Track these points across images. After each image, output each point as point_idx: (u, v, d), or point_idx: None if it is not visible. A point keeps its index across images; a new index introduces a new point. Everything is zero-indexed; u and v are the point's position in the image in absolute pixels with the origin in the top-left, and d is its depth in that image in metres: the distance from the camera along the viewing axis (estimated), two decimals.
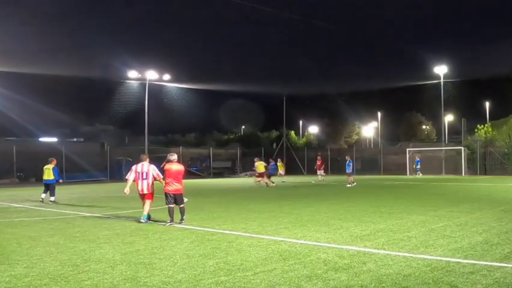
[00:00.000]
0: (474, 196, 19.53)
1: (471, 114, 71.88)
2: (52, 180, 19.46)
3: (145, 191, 12.48)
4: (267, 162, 32.71)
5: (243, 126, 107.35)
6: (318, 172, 36.26)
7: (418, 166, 44.29)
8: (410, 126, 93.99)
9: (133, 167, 12.74)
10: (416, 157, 46.21)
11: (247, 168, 46.84)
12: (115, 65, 60.19)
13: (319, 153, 41.39)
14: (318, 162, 36.45)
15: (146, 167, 12.59)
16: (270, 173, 31.82)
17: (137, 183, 12.56)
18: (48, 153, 41.28)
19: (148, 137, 49.92)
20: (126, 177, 12.91)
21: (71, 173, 41.22)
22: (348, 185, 27.91)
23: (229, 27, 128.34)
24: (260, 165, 30.81)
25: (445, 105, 54.01)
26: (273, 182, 30.66)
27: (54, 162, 19.94)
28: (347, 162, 29.27)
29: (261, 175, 30.78)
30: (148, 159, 12.90)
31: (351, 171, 29.43)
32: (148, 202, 12.50)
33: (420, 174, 43.74)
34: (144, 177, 12.49)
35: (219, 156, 57.85)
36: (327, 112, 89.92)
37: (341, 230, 10.54)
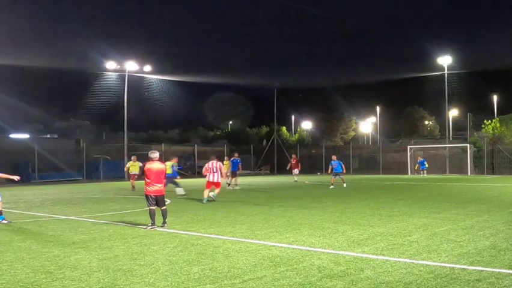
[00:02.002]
0: (481, 197, 19.65)
1: (477, 109, 72.33)
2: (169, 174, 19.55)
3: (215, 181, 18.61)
4: (257, 160, 31.82)
5: (231, 122, 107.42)
6: (293, 171, 36.14)
7: (425, 165, 43.61)
8: (412, 122, 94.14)
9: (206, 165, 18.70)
10: (419, 157, 45.78)
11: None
12: (92, 55, 59.73)
13: (306, 153, 41.29)
14: (293, 161, 36.50)
15: (215, 164, 18.61)
16: (234, 171, 27.68)
17: (209, 176, 18.55)
18: (19, 150, 41.21)
19: (127, 134, 49.67)
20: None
21: (44, 172, 41.05)
22: (332, 186, 27.33)
23: (215, 14, 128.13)
24: (132, 166, 26.73)
25: (449, 99, 54.30)
26: (228, 185, 26.96)
27: (174, 160, 22.14)
28: (336, 161, 28.32)
29: (133, 177, 26.72)
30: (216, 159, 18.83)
31: (337, 171, 28.62)
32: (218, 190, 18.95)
33: (425, 174, 43.37)
34: (214, 170, 18.53)
35: (205, 154, 57.70)
36: (322, 106, 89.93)
37: (337, 234, 10.56)
